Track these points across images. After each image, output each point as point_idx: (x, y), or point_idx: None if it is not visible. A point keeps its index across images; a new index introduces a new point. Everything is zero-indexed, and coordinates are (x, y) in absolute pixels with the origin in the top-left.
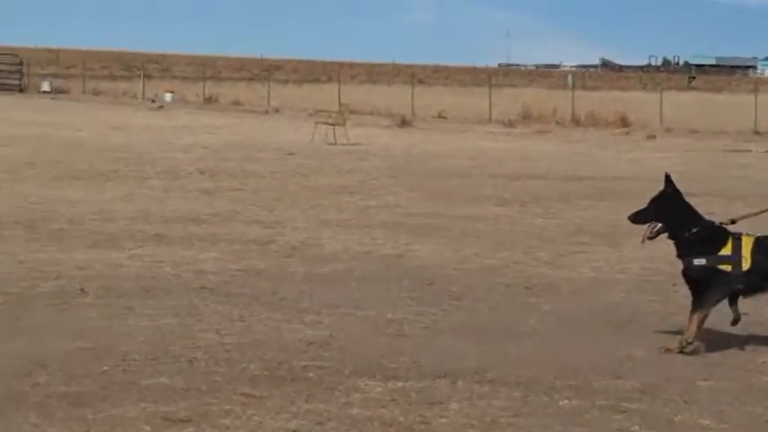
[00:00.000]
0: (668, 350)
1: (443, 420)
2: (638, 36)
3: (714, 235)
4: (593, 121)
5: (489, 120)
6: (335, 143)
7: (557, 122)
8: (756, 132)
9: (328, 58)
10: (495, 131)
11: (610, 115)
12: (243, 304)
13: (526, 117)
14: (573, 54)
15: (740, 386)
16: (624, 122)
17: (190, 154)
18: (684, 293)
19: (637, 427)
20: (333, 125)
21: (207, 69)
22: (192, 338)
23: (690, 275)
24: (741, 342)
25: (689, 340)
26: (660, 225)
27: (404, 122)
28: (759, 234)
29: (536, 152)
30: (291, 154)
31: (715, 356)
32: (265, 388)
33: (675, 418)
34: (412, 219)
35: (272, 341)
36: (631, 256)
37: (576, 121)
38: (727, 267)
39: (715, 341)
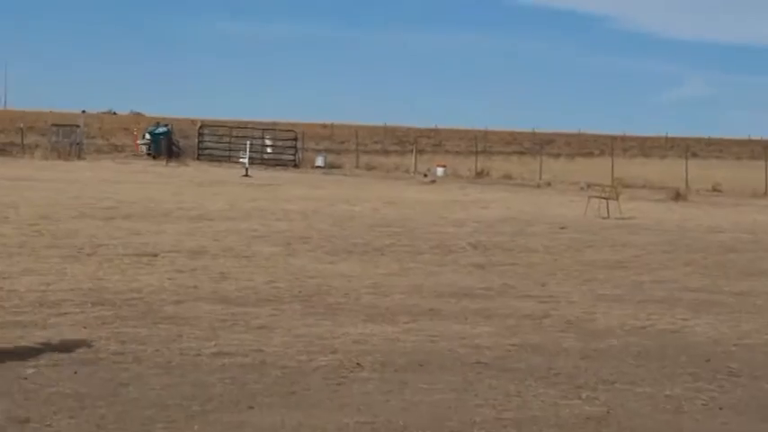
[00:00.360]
0: None
1: None
2: None
3: None
4: None
5: (766, 193)
6: (608, 217)
7: None
8: None
9: (600, 132)
10: None
11: None
12: (518, 379)
13: None
14: None
15: None
16: None
17: (462, 228)
18: None
19: None
20: (606, 199)
21: (478, 143)
22: (469, 414)
23: None
24: None
25: None
26: None
27: (678, 196)
28: None
29: None
30: (564, 228)
31: None
32: None
33: None
34: (688, 294)
35: (549, 417)
36: None
37: None
38: None
39: None
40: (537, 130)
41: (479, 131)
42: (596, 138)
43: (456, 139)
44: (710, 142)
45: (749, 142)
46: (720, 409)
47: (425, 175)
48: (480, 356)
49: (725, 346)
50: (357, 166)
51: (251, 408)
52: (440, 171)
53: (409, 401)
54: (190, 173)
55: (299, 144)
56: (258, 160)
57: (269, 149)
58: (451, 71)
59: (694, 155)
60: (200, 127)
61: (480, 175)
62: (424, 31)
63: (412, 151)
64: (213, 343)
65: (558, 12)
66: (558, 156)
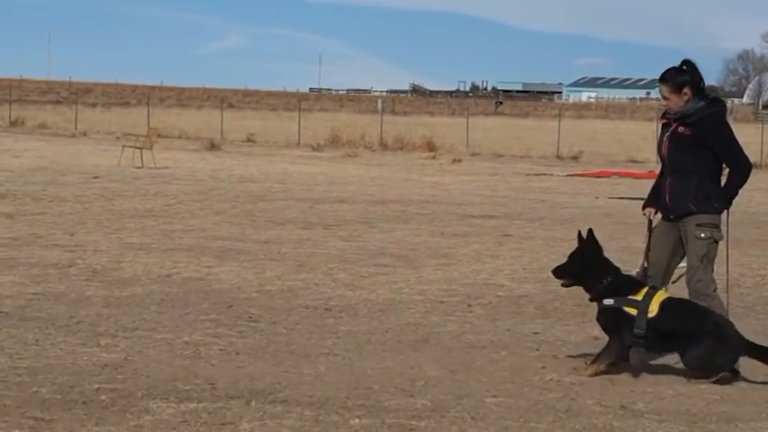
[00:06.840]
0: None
1: None
2: (447, 62)
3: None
4: (401, 146)
5: (298, 143)
6: (142, 167)
7: (365, 147)
8: (559, 157)
9: (138, 82)
10: (303, 155)
11: (417, 140)
12: (38, 328)
13: (334, 141)
14: (384, 79)
15: (526, 403)
16: (431, 147)
17: None
18: (477, 314)
19: None
20: (140, 149)
21: (13, 92)
22: None
23: None
24: (531, 360)
25: None
26: None
27: (212, 146)
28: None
29: (343, 176)
30: (97, 177)
31: (505, 374)
32: (56, 411)
33: None
34: (216, 242)
35: (65, 364)
36: (430, 278)
37: (383, 146)
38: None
39: (506, 359)
40: (74, 80)
41: (14, 80)
42: (134, 88)
43: None
44: (247, 93)
45: (284, 94)
46: (237, 353)
47: None
48: (1, 306)
49: (247, 293)
50: None
51: None
52: None
53: None
54: None
55: None
56: None
57: None
58: None
59: (230, 106)
60: None
61: (15, 124)
62: None
63: None
64: None
65: None
66: (95, 105)
